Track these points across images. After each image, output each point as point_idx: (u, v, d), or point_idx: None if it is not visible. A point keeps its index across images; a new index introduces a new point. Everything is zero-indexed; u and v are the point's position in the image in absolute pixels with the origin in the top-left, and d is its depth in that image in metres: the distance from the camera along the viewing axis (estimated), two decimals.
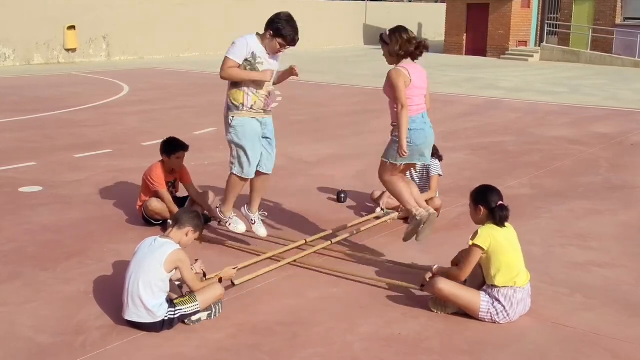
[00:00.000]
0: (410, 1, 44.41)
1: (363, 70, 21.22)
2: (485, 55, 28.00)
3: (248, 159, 5.06)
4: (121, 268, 4.76)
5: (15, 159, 8.58)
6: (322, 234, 5.73)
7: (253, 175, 5.19)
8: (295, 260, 5.13)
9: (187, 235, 4.24)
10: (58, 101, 13.92)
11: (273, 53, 4.98)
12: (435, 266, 4.50)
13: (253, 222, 5.34)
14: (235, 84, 4.97)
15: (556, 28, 26.93)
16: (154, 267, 4.00)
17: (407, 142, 4.81)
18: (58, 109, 12.91)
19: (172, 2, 26.91)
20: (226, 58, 4.93)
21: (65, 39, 23.38)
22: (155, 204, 5.80)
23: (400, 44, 4.89)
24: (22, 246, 5.50)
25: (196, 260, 4.58)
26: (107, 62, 24.14)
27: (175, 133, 7.20)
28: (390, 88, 4.88)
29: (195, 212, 4.45)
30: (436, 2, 43.69)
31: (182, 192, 6.20)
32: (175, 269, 4.10)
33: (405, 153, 4.81)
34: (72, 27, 23.41)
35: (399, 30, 4.95)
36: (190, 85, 17.28)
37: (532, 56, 26.07)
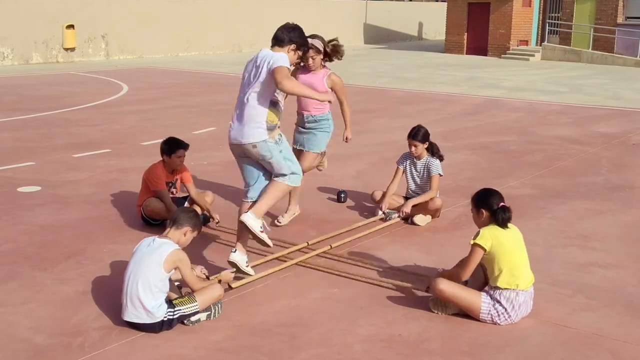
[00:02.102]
0: (410, 0, 44.35)
1: (363, 69, 21.18)
2: (486, 55, 27.96)
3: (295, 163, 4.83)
4: (120, 268, 4.73)
5: (13, 158, 8.55)
6: (324, 237, 5.69)
7: None
8: (297, 262, 5.09)
9: (185, 234, 4.21)
10: (57, 100, 13.89)
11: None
12: (441, 269, 4.47)
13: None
14: (272, 104, 4.56)
15: (557, 27, 26.87)
16: (153, 268, 3.98)
17: None
18: (57, 108, 12.88)
19: (171, 0, 26.87)
20: (284, 67, 4.36)
21: (63, 38, 23.34)
22: (154, 204, 5.78)
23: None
24: (19, 246, 5.47)
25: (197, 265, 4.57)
26: (106, 61, 24.10)
27: (175, 132, 7.18)
28: (335, 89, 5.93)
29: (194, 211, 4.41)
30: (437, 1, 43.63)
31: (182, 192, 6.16)
32: (175, 268, 4.08)
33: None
34: (71, 26, 23.38)
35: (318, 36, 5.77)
36: (189, 85, 17.25)
37: (533, 55, 26.02)
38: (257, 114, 4.53)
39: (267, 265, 5.02)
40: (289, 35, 4.61)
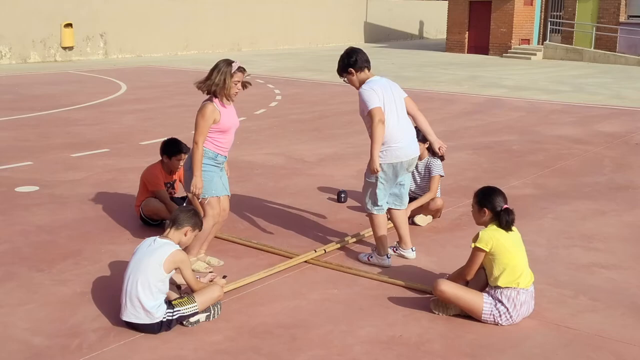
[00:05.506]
0: None
1: None
2: (487, 54, 27.90)
3: None
4: (118, 269, 4.71)
5: (11, 158, 8.51)
6: (331, 245, 5.65)
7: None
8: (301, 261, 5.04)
9: (186, 234, 4.19)
10: (54, 100, 13.84)
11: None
12: (447, 275, 4.44)
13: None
14: None
15: (559, 26, 26.81)
16: (153, 268, 3.95)
17: None
18: (54, 107, 12.83)
19: None
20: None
21: (62, 36, 23.29)
22: (153, 204, 5.74)
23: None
24: (17, 247, 5.43)
25: (210, 271, 4.60)
26: (104, 60, 24.05)
27: (174, 132, 7.14)
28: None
29: (192, 210, 4.38)
30: None
31: (180, 192, 6.12)
32: (175, 269, 4.05)
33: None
34: (69, 25, 23.31)
35: None
36: (188, 84, 17.10)
37: (535, 54, 25.97)
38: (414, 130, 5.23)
39: (255, 270, 4.98)
40: None
